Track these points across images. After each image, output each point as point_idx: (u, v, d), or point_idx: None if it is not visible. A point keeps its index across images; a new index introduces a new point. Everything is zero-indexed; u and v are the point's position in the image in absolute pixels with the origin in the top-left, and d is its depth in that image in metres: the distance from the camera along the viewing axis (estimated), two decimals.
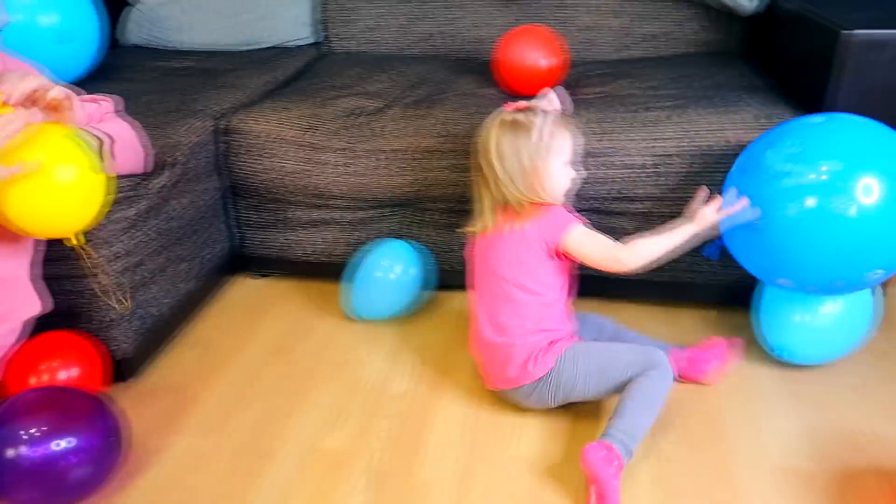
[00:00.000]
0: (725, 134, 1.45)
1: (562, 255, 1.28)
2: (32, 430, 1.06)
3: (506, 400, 1.34)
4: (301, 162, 1.61)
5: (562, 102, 1.32)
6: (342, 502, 1.17)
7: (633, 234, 1.30)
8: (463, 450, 1.26)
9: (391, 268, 1.56)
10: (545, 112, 1.25)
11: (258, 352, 1.55)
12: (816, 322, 1.36)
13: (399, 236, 1.66)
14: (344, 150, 1.59)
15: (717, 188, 1.46)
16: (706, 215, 1.27)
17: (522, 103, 1.28)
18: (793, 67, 1.60)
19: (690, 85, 1.68)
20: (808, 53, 1.50)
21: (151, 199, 1.42)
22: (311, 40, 2.27)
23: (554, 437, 1.28)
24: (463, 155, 1.54)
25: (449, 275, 1.68)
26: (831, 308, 1.34)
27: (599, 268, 1.26)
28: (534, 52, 1.68)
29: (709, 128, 1.47)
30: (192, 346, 1.57)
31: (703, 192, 1.32)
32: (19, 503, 1.09)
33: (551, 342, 1.27)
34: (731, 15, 1.92)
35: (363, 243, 1.68)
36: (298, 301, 1.72)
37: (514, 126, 1.24)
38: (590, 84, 1.76)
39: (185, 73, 1.96)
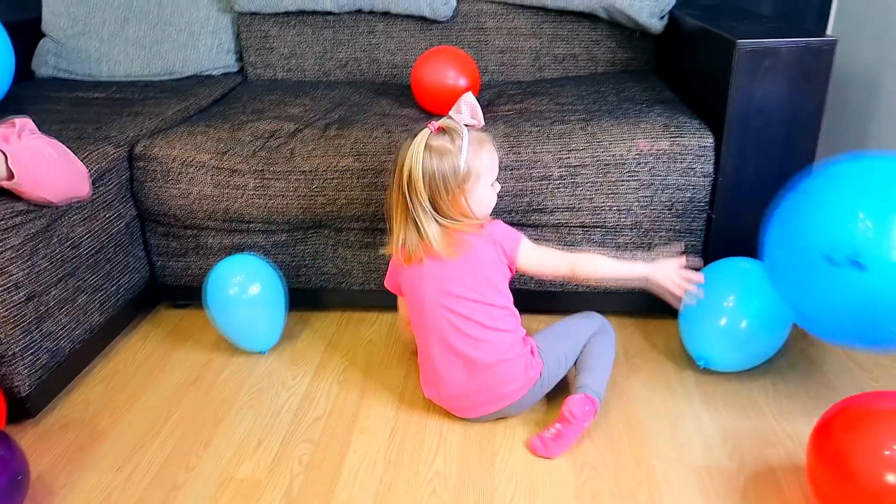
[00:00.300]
0: (635, 142, 1.49)
1: (512, 268, 1.31)
2: None
3: (486, 421, 1.32)
4: (215, 186, 1.58)
5: (473, 112, 1.33)
6: None
7: (550, 245, 1.35)
8: (385, 468, 1.23)
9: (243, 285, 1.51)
10: (466, 131, 1.25)
11: (173, 382, 1.49)
12: (736, 331, 1.38)
13: (317, 259, 1.64)
14: (259, 172, 1.57)
15: (621, 197, 1.50)
16: (665, 268, 1.29)
17: (444, 123, 1.27)
18: (696, 79, 1.66)
19: (601, 100, 1.72)
20: (708, 65, 1.56)
21: (41, 224, 1.35)
22: (235, 68, 2.26)
23: (477, 449, 1.27)
24: (377, 173, 1.54)
25: (369, 295, 1.67)
26: (750, 317, 1.37)
27: (550, 275, 1.32)
28: (449, 72, 1.71)
29: (617, 137, 1.50)
30: (104, 379, 1.51)
31: (679, 246, 1.41)
32: None
33: (526, 344, 1.29)
34: (641, 33, 1.99)
35: (283, 268, 1.66)
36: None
37: (440, 153, 1.22)
38: (505, 102, 1.79)
39: (100, 102, 1.92)
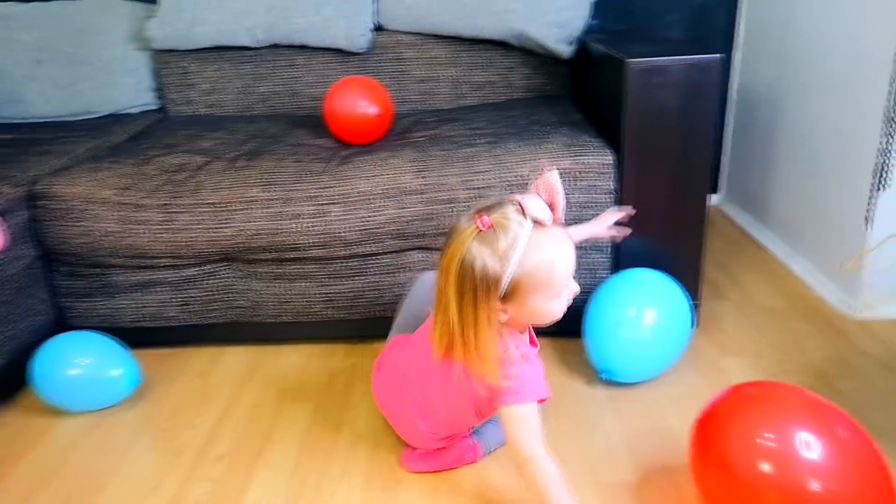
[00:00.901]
0: (539, 162, 1.51)
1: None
2: None
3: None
4: (118, 222, 1.54)
5: (551, 196, 1.09)
6: None
7: None
8: (286, 502, 1.19)
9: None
10: (526, 231, 1.00)
11: (75, 425, 1.43)
12: (635, 342, 1.39)
13: (228, 292, 1.61)
14: (164, 206, 1.54)
15: None
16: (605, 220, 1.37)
17: (496, 218, 1.01)
18: (601, 101, 1.69)
19: (511, 124, 1.74)
20: (608, 86, 1.59)
21: None
22: (155, 106, 2.24)
23: (380, 478, 1.23)
24: (285, 202, 1.52)
25: (283, 327, 1.64)
26: (648, 327, 1.38)
27: (509, 443, 1.08)
28: (359, 101, 1.71)
29: (522, 158, 1.51)
30: (3, 425, 1.44)
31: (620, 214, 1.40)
32: None
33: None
34: (554, 60, 2.03)
35: (194, 303, 1.62)
36: None
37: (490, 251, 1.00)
38: (420, 129, 1.80)
39: (7, 144, 1.88)
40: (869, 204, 1.58)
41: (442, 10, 2.02)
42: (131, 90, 2.19)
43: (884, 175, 1.54)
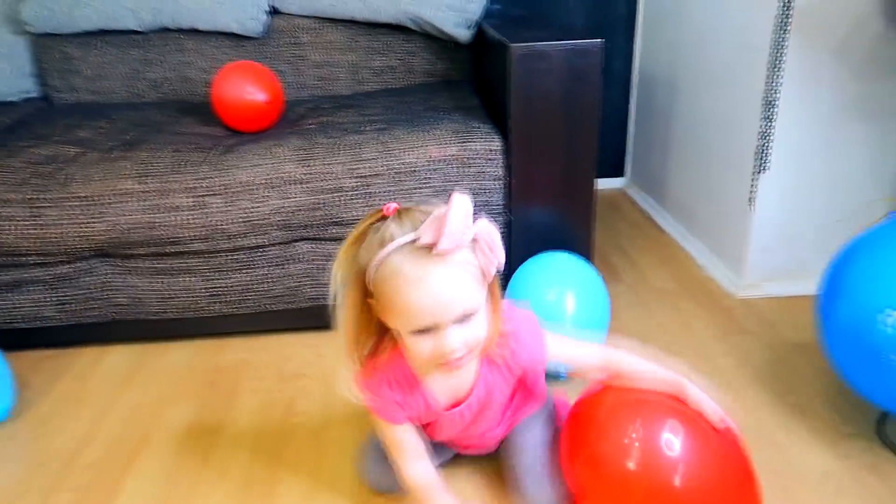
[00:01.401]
0: (426, 149, 1.48)
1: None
2: None
3: None
4: None
5: (438, 226, 0.84)
6: None
7: None
8: None
9: None
10: (405, 238, 0.86)
11: None
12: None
13: (105, 289, 1.53)
14: (30, 200, 1.45)
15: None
16: (702, 393, 1.00)
17: (404, 207, 0.91)
18: (493, 86, 1.68)
19: (405, 110, 1.71)
20: (497, 72, 1.58)
21: None
22: (37, 93, 2.10)
23: (259, 481, 1.19)
24: (161, 195, 1.45)
25: (167, 324, 1.58)
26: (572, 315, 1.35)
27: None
28: (247, 87, 1.64)
29: (410, 145, 1.48)
30: None
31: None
32: None
33: None
34: (455, 44, 2.00)
35: (71, 302, 1.53)
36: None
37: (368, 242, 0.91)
38: (315, 116, 1.74)
39: None
40: (752, 186, 1.62)
41: None
42: (7, 77, 2.05)
43: (764, 158, 1.58)
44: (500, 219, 1.53)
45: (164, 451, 1.27)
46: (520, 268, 1.45)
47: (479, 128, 1.52)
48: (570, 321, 1.34)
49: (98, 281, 1.53)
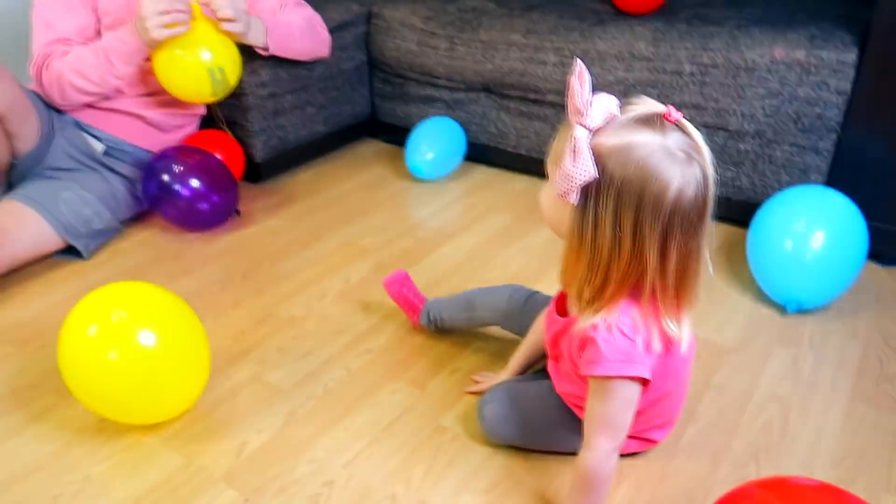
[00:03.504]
0: (772, 49, 1.50)
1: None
2: (187, 175, 1.60)
3: None
4: (417, 44, 1.99)
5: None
6: None
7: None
8: None
9: None
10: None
11: (358, 184, 1.99)
12: (809, 262, 1.34)
13: (484, 118, 1.98)
14: (450, 37, 1.93)
15: (747, 102, 1.53)
16: None
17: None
18: None
19: (784, 11, 1.70)
20: None
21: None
22: None
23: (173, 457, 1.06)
24: (536, 49, 1.79)
25: (518, 157, 1.96)
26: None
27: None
28: None
29: (759, 42, 1.52)
30: (317, 174, 2.07)
31: None
32: (166, 216, 1.67)
33: None
34: None
35: (461, 122, 2.02)
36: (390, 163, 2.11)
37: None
38: (697, 6, 1.84)
39: None
40: None
41: None
42: None
43: None
44: (830, 136, 1.49)
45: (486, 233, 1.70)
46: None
47: (836, 35, 1.46)
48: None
49: (481, 110, 1.99)
